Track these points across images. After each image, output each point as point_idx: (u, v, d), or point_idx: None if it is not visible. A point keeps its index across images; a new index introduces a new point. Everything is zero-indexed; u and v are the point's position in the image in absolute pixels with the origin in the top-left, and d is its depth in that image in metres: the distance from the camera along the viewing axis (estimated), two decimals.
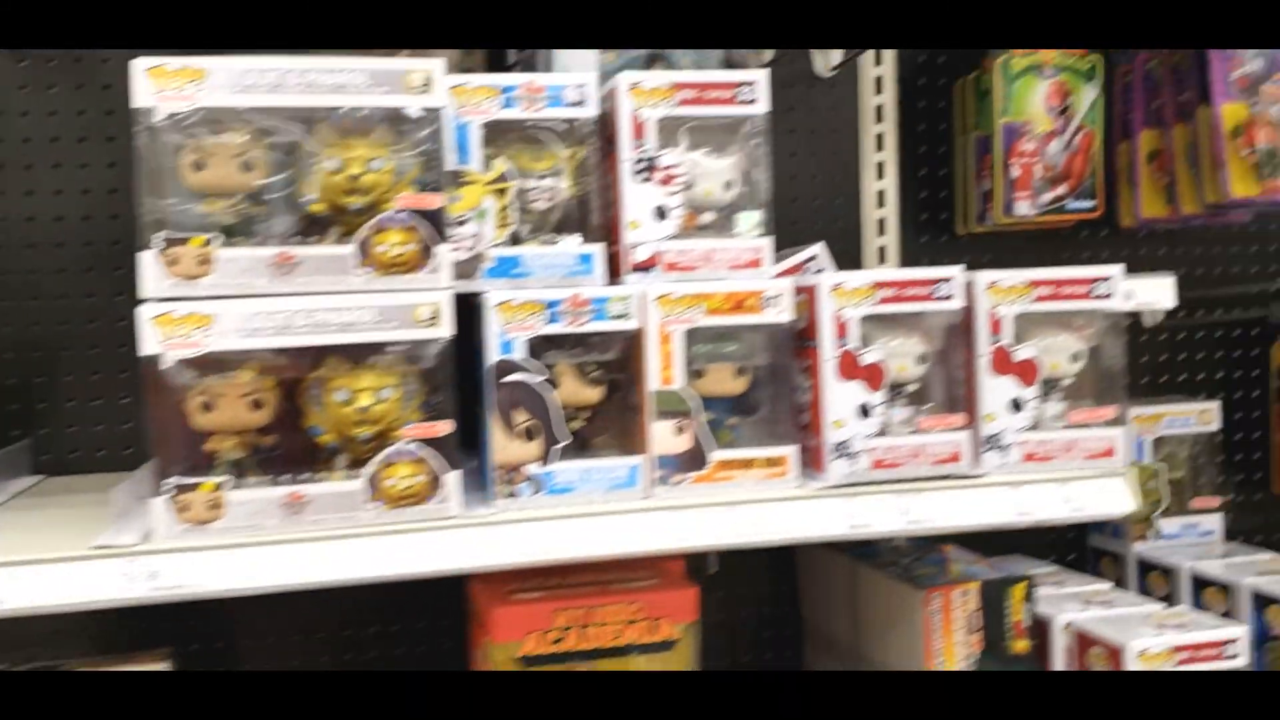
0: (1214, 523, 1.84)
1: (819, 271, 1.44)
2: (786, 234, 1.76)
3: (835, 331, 1.23)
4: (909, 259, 1.83)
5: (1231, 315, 1.90)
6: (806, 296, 1.25)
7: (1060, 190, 1.75)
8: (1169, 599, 1.73)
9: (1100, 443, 1.30)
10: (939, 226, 1.85)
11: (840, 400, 1.23)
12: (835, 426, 1.23)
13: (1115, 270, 1.31)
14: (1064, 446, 1.29)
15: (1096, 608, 1.54)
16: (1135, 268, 1.90)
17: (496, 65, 1.51)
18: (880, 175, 1.81)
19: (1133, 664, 1.39)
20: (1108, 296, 1.29)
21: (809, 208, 1.79)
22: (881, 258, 1.81)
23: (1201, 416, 1.83)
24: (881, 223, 1.81)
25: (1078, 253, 1.89)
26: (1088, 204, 1.77)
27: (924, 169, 1.84)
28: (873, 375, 1.23)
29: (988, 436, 1.28)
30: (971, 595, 1.43)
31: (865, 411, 1.23)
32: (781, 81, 1.76)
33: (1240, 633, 1.44)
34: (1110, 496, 1.28)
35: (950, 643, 1.43)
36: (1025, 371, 1.28)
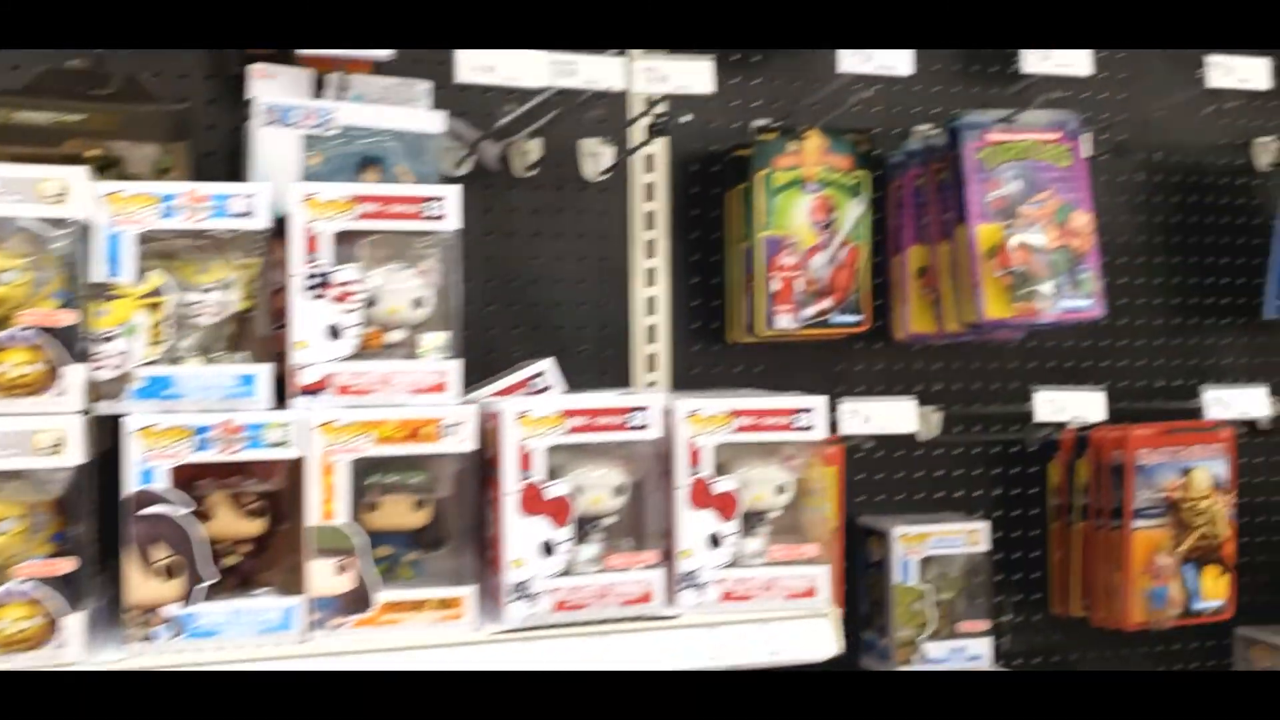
0: (982, 647, 1.79)
1: (544, 389, 1.38)
2: (550, 340, 1.71)
3: (519, 462, 1.16)
4: (681, 367, 1.78)
5: (1008, 434, 1.87)
6: (494, 424, 1.19)
7: (825, 304, 1.72)
8: None
9: (802, 581, 1.24)
10: (711, 335, 1.81)
11: (522, 537, 1.16)
12: (515, 565, 1.15)
13: (817, 402, 1.26)
14: (764, 585, 1.23)
15: None
16: (908, 382, 1.88)
17: None
18: (651, 282, 1.77)
19: None
20: (809, 429, 1.25)
21: (576, 313, 1.74)
22: (651, 365, 1.76)
23: (970, 537, 1.79)
24: (652, 330, 1.76)
25: (851, 365, 1.86)
26: (853, 318, 1.74)
27: (697, 277, 1.80)
28: (558, 509, 1.17)
29: (684, 574, 1.21)
30: None
31: (549, 549, 1.16)
32: (552, 184, 1.72)
33: None
34: (813, 639, 1.22)
35: None
36: (725, 505, 1.22)
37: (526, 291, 1.71)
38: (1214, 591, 1.83)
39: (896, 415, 1.53)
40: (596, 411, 1.19)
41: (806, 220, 1.70)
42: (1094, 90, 1.90)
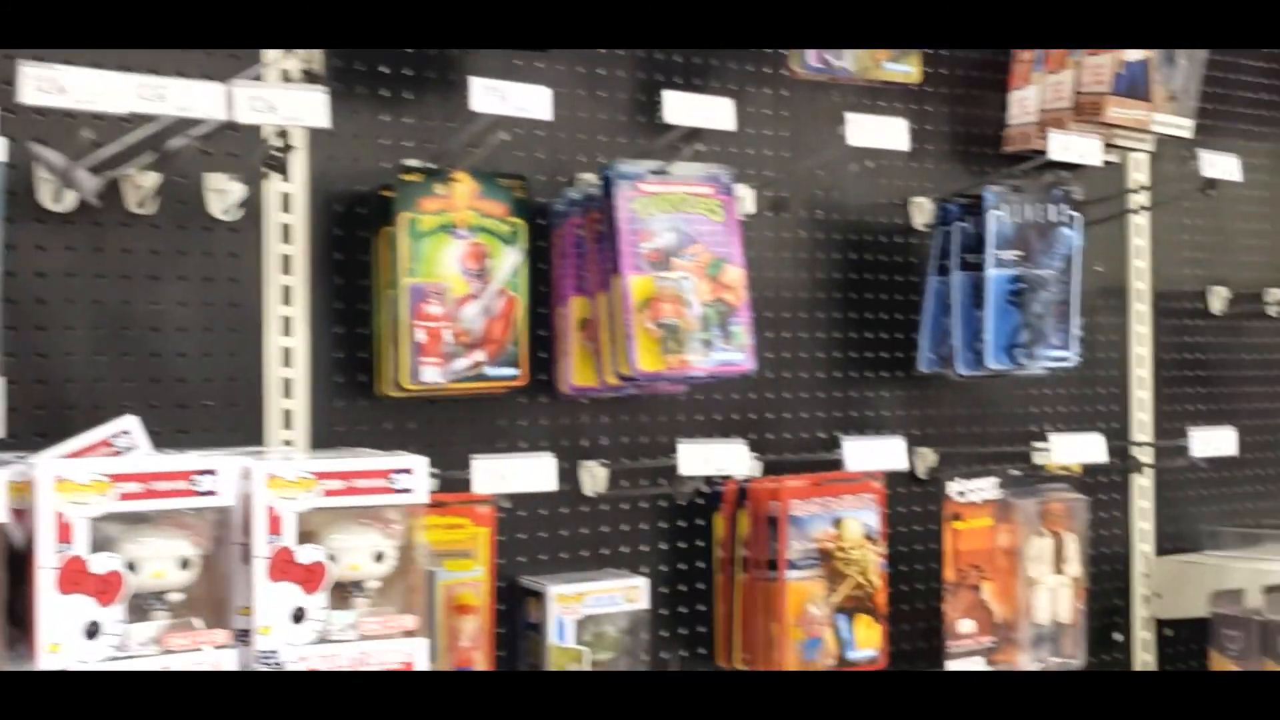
0: None
1: (128, 450, 1.23)
2: (170, 394, 1.55)
3: (57, 534, 1.01)
4: (322, 423, 1.65)
5: (663, 489, 1.85)
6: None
7: (478, 356, 1.64)
8: None
9: (398, 655, 1.15)
10: (359, 389, 1.69)
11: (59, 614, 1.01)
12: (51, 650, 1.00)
13: (417, 461, 1.18)
14: (354, 661, 1.12)
15: None
16: (573, 436, 1.83)
17: None
18: (288, 331, 1.64)
19: None
20: (409, 490, 1.16)
21: (202, 365, 1.58)
22: (288, 422, 1.62)
23: (629, 594, 1.75)
24: (288, 383, 1.63)
25: (513, 420, 1.79)
26: (510, 371, 1.67)
27: (341, 326, 1.68)
28: (107, 586, 1.02)
29: (261, 653, 1.09)
30: None
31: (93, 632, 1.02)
32: (173, 221, 1.56)
33: None
34: None
35: None
36: (311, 576, 1.11)
37: (145, 340, 1.55)
38: (867, 640, 1.85)
39: (535, 472, 1.46)
40: (148, 476, 1.05)
41: (457, 268, 1.62)
42: (745, 144, 1.92)
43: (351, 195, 1.67)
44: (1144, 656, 2.25)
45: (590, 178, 1.76)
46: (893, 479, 2.05)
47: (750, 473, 1.94)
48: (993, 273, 1.91)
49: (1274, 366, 2.50)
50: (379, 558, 1.16)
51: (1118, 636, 2.25)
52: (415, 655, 1.14)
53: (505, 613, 1.76)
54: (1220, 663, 1.89)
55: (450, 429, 1.72)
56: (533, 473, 1.44)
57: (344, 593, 1.15)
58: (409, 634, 1.14)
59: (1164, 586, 2.24)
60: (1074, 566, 1.89)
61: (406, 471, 1.15)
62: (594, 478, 1.82)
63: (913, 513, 2.07)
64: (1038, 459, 1.89)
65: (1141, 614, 2.26)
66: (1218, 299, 2.42)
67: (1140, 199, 2.20)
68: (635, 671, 1.59)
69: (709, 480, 1.89)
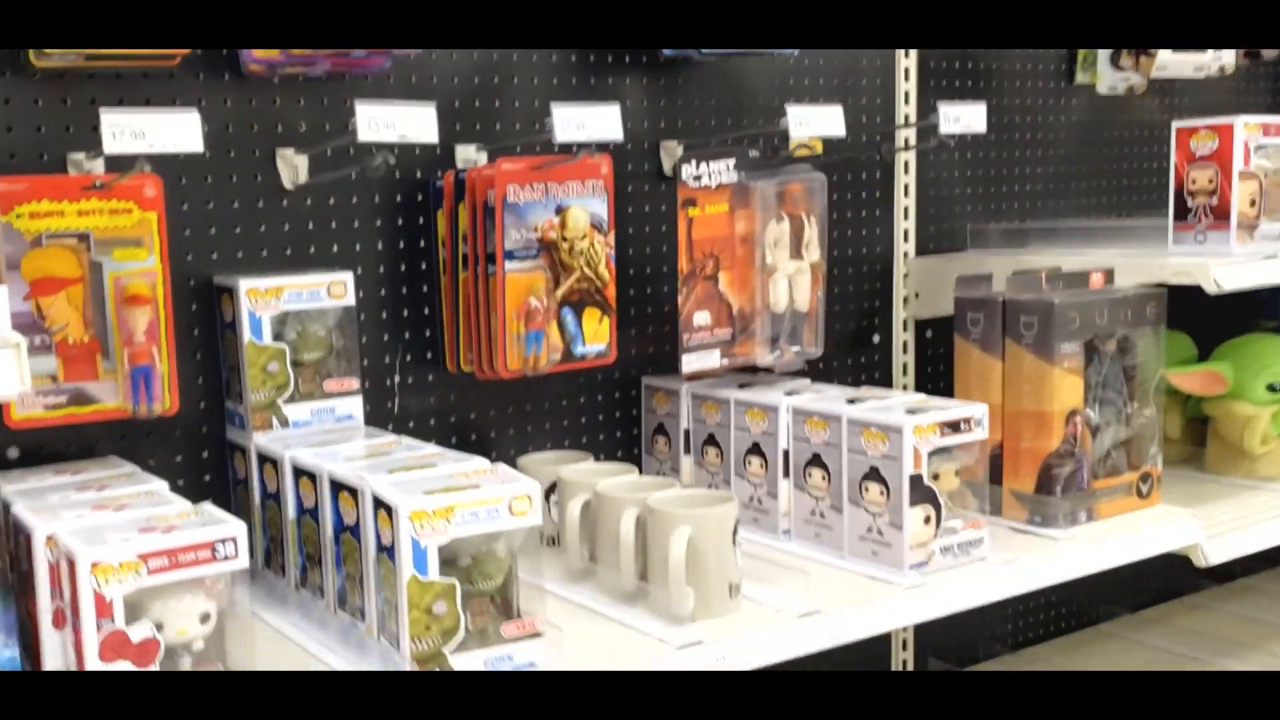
0: (352, 406, 1.65)
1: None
2: None
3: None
4: None
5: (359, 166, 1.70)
6: None
7: None
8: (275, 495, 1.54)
9: None
10: None
11: None
12: None
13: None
14: None
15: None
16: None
17: None
18: None
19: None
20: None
21: None
22: None
23: (334, 289, 1.63)
24: None
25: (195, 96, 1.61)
26: None
27: None
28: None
29: None
30: None
31: None
32: None
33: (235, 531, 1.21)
34: None
35: None
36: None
37: None
38: (596, 335, 1.78)
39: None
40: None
41: None
42: None
43: None
44: (903, 359, 2.24)
45: None
46: (633, 170, 1.95)
47: (472, 160, 1.82)
48: None
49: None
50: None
51: (876, 338, 2.24)
52: None
53: (202, 313, 1.64)
54: (963, 347, 1.87)
55: None
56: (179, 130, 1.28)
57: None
58: None
59: (923, 286, 2.21)
60: (814, 251, 1.82)
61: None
62: (292, 168, 1.67)
63: (654, 207, 1.98)
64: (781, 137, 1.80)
65: (901, 315, 2.24)
66: None
67: None
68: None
69: (431, 174, 1.76)
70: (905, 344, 2.24)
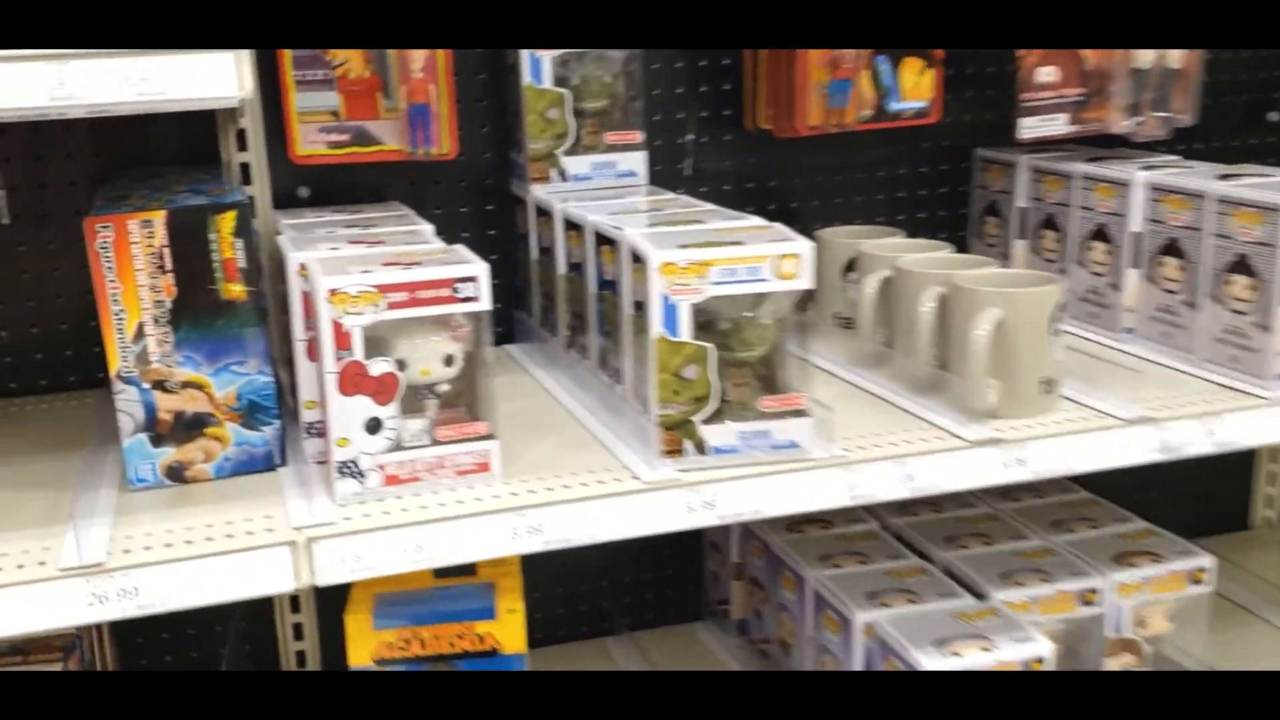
0: (635, 162, 1.53)
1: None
2: None
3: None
4: None
5: None
6: None
7: None
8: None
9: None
10: None
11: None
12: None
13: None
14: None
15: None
16: None
17: None
18: None
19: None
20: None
21: None
22: None
23: None
24: None
25: None
26: None
27: None
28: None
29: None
30: (157, 227, 1.11)
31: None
32: None
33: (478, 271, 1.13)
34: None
35: (131, 286, 1.12)
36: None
37: None
38: (917, 90, 1.54)
39: None
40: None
41: None
42: None
43: None
44: None
45: None
46: None
47: None
48: None
49: None
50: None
51: (1274, 115, 1.83)
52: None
53: (489, 54, 1.56)
54: None
55: None
56: None
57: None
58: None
59: None
60: None
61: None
62: None
63: None
64: None
65: None
66: None
67: None
68: None
69: None
70: None
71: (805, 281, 1.12)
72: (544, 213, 1.47)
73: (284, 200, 1.51)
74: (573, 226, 1.37)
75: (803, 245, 1.12)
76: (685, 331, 1.12)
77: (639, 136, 1.52)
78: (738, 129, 1.65)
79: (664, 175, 1.63)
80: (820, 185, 1.71)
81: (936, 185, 1.76)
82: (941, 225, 1.78)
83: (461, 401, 1.16)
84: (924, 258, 1.42)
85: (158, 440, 1.16)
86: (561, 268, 1.42)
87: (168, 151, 1.50)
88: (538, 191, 1.49)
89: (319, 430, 1.19)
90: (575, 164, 1.50)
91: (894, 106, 1.53)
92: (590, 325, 1.34)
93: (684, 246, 1.12)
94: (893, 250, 1.45)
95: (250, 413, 1.17)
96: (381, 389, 1.08)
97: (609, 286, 1.26)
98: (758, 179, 1.69)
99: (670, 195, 1.45)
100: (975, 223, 1.76)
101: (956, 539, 1.57)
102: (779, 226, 1.19)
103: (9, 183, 1.46)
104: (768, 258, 1.11)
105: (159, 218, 1.11)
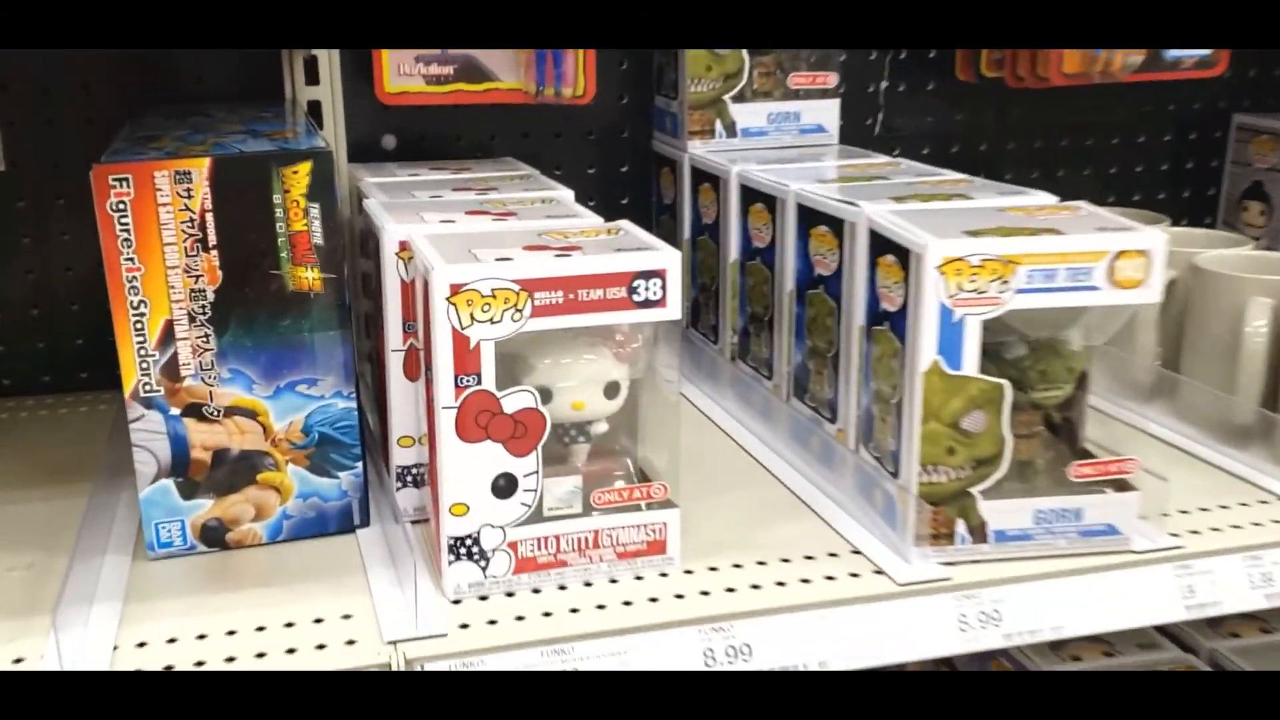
0: (826, 115, 1.17)
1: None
2: None
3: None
4: None
5: None
6: None
7: None
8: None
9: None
10: None
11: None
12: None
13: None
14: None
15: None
16: None
17: None
18: None
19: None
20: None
21: None
22: None
23: None
24: None
25: None
26: None
27: None
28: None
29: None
30: (197, 181, 0.76)
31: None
32: None
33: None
34: None
35: (158, 267, 0.77)
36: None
37: None
38: None
39: None
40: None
41: None
42: None
43: None
44: None
45: None
46: None
47: None
48: None
49: None
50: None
51: None
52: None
53: None
54: None
55: None
56: None
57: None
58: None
59: None
60: None
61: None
62: None
63: None
64: None
65: None
66: None
67: None
68: None
69: None
70: None
71: (1152, 293, 0.76)
72: (705, 177, 1.11)
73: (361, 152, 1.16)
74: (756, 197, 1.00)
75: (1153, 238, 0.75)
76: (971, 362, 0.75)
77: (833, 79, 1.15)
78: (945, 76, 1.27)
79: (845, 132, 1.26)
80: (1044, 150, 1.34)
81: (1181, 156, 1.39)
82: (1182, 206, 1.40)
83: (617, 445, 0.80)
84: (1226, 256, 1.05)
85: (190, 489, 0.81)
86: (733, 253, 1.05)
87: (212, 88, 1.14)
88: (698, 149, 1.13)
89: (416, 478, 0.84)
90: (747, 114, 1.14)
91: (1171, 53, 1.16)
92: (780, 333, 0.98)
93: (971, 234, 0.75)
94: (1183, 243, 1.08)
95: (323, 453, 0.82)
96: (519, 432, 0.73)
97: (821, 284, 0.90)
98: (967, 139, 1.32)
99: (885, 159, 1.09)
100: (1230, 205, 1.38)
101: None
102: (1102, 212, 0.82)
103: (7, 118, 1.11)
104: (1103, 255, 0.74)
105: (200, 168, 0.76)
